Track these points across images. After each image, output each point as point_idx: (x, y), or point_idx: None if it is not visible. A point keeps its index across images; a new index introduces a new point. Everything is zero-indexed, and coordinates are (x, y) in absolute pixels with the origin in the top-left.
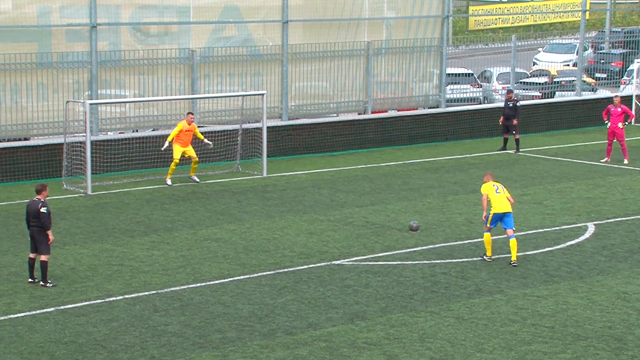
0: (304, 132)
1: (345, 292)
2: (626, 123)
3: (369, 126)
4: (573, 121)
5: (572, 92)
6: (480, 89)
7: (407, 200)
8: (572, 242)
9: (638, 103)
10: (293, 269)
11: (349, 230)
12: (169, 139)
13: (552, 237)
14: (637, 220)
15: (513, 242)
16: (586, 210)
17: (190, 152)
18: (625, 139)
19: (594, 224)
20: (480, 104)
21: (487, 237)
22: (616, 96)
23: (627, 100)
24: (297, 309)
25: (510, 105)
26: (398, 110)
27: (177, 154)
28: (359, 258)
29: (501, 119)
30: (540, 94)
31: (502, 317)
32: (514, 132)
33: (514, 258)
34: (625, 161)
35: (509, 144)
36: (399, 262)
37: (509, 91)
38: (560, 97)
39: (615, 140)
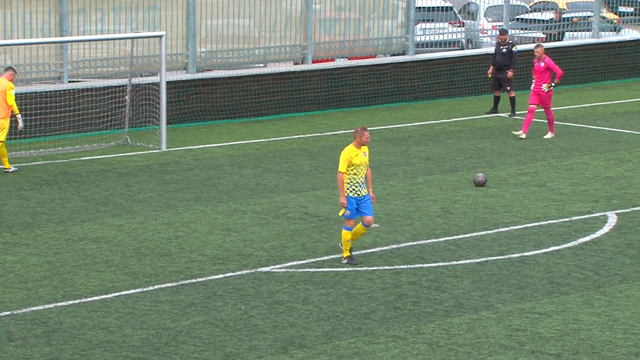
0: (219, 90)
1: (275, 311)
2: (552, 85)
3: (310, 81)
4: (589, 73)
5: (588, 33)
6: (463, 28)
7: None
8: (587, 238)
9: None
10: (203, 279)
11: (282, 225)
12: None
13: (559, 232)
14: None
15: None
16: (606, 195)
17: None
18: (553, 107)
19: (616, 214)
20: (462, 49)
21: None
22: (537, 46)
23: None
24: (210, 335)
25: (504, 50)
26: (349, 59)
27: None
28: (294, 263)
29: (491, 69)
30: (545, 36)
31: (491, 343)
32: (508, 88)
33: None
34: (550, 135)
35: (502, 105)
36: (350, 269)
37: (502, 32)
38: (572, 39)
39: (539, 107)
